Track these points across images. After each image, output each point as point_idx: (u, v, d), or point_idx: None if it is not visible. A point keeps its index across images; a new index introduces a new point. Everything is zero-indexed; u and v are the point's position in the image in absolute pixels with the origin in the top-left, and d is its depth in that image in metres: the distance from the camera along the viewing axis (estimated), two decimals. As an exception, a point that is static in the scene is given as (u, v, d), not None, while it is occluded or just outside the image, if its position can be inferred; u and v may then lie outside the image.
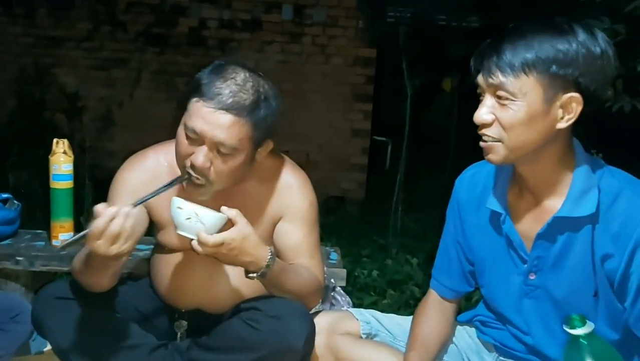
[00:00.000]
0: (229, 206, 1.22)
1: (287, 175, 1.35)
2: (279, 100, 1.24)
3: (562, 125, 1.04)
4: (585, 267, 1.09)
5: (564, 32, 1.02)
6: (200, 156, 1.18)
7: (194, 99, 1.19)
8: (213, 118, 1.16)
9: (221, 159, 1.19)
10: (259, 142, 1.23)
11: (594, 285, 1.10)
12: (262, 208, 1.33)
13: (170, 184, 1.22)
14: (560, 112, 1.03)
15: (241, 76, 1.19)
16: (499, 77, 1.02)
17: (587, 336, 1.05)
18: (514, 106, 1.02)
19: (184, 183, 1.24)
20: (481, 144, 1.08)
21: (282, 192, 1.34)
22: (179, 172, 1.31)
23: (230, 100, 1.16)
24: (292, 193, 1.34)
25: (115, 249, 1.09)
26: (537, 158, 1.07)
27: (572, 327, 1.06)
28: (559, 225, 1.09)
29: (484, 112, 1.06)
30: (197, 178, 1.21)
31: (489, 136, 1.06)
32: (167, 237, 1.36)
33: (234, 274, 1.33)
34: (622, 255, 1.05)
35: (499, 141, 1.05)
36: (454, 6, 5.43)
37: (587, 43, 1.02)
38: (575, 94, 1.02)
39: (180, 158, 1.23)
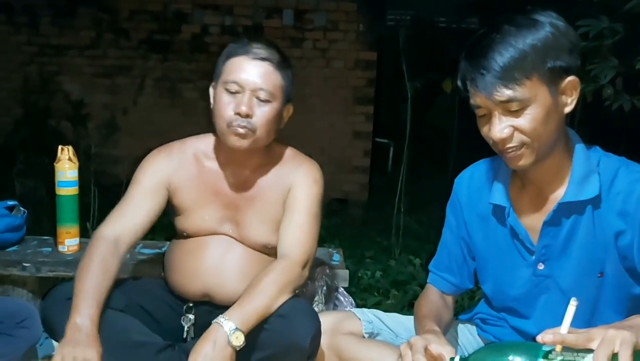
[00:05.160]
0: (249, 188, 1.39)
1: (300, 158, 1.47)
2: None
3: (568, 109, 1.09)
4: (591, 249, 1.12)
5: (532, 24, 1.05)
6: (245, 101, 1.32)
7: (229, 60, 1.35)
8: (252, 67, 1.33)
9: (260, 106, 1.34)
10: (286, 97, 1.39)
11: (600, 266, 1.12)
12: (276, 189, 1.41)
13: None
14: (564, 97, 1.08)
15: (268, 45, 1.38)
16: (506, 92, 1.04)
17: None
18: (530, 110, 1.05)
19: (229, 137, 1.33)
20: (508, 156, 1.09)
21: (293, 169, 1.43)
22: (203, 162, 1.42)
23: (264, 52, 1.35)
24: (301, 170, 1.43)
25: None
26: (553, 150, 1.10)
27: None
28: (565, 211, 1.12)
29: (502, 128, 1.07)
30: (241, 127, 1.32)
31: (512, 147, 1.08)
32: (186, 222, 1.43)
33: (245, 258, 1.40)
34: (634, 228, 1.08)
35: (523, 146, 1.08)
36: (454, 8, 5.44)
37: (552, 22, 1.06)
38: (571, 77, 1.07)
39: (223, 114, 1.34)
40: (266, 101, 1.34)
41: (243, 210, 1.41)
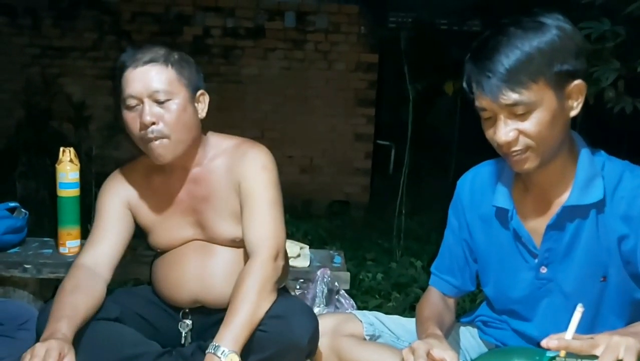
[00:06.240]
0: (200, 189, 1.38)
1: (244, 146, 1.41)
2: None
3: (574, 113, 1.08)
4: (594, 253, 1.12)
5: (538, 27, 1.04)
6: (145, 112, 1.30)
7: (121, 79, 1.34)
8: (139, 75, 1.32)
9: (164, 109, 1.31)
10: (192, 87, 1.36)
11: (603, 270, 1.12)
12: (227, 182, 1.38)
13: None
14: (569, 101, 1.07)
15: (151, 47, 1.37)
16: (512, 96, 1.03)
17: None
18: (535, 114, 1.04)
19: (149, 153, 1.32)
20: (513, 159, 1.09)
21: (239, 160, 1.38)
22: (153, 177, 1.42)
23: (147, 55, 1.33)
24: (246, 159, 1.38)
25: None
26: (557, 153, 1.10)
27: None
28: (568, 214, 1.11)
29: (507, 132, 1.06)
30: (152, 139, 1.31)
31: (517, 150, 1.07)
32: (155, 239, 1.44)
33: (223, 258, 1.39)
34: (638, 233, 1.08)
35: (528, 150, 1.07)
36: (455, 10, 5.45)
37: (559, 25, 1.05)
38: (578, 81, 1.06)
39: (133, 132, 1.33)
40: (167, 100, 1.31)
41: (201, 211, 1.40)
